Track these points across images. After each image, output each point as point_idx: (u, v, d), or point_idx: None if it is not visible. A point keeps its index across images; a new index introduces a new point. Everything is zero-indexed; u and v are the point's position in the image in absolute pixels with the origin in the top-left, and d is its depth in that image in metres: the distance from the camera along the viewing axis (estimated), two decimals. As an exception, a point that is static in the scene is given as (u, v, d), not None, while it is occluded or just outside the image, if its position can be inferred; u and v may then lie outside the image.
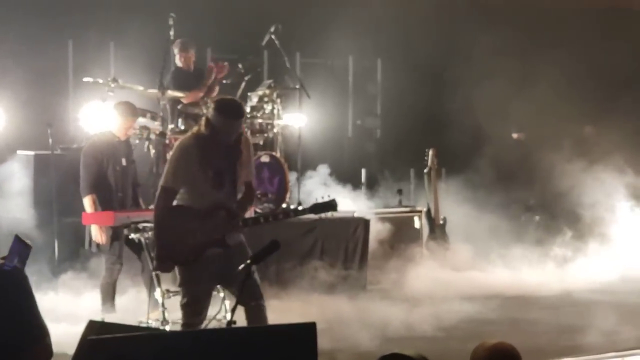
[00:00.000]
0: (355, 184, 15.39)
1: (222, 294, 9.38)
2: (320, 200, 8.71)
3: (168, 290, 9.54)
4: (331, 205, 8.67)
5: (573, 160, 14.84)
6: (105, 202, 10.47)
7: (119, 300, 10.69)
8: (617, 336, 10.03)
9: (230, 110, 8.05)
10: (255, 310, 7.97)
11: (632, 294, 12.91)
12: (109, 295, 10.56)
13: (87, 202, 10.43)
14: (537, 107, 16.12)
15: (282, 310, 10.38)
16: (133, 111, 10.80)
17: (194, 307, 8.13)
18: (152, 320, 9.53)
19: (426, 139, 15.48)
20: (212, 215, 8.05)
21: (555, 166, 15.01)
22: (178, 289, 8.56)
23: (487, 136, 15.51)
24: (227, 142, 8.02)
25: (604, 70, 16.04)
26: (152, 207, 10.75)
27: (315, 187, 14.67)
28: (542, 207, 15.46)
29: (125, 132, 10.75)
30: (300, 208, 7.69)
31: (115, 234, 10.35)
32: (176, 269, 8.27)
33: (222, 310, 8.82)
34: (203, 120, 8.13)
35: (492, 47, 15.82)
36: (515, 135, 16.85)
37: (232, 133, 8.02)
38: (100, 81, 11.80)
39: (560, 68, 15.55)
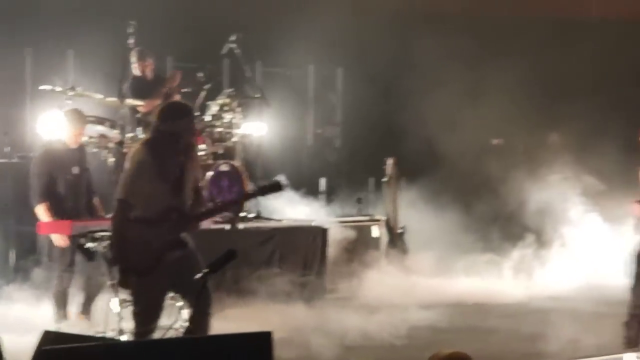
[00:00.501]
0: (315, 193, 15.35)
1: (179, 303, 9.32)
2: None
3: (125, 300, 9.46)
4: (277, 185, 8.60)
5: (531, 168, 14.82)
6: (56, 211, 10.39)
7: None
8: (576, 344, 10.02)
9: (175, 112, 8.16)
10: (205, 319, 7.90)
11: (591, 302, 12.94)
12: (62, 303, 10.46)
13: (40, 211, 10.34)
14: (496, 115, 16.22)
15: (239, 319, 10.37)
16: (81, 118, 10.74)
17: (146, 315, 8.07)
18: (109, 330, 9.45)
19: (386, 148, 15.45)
20: (166, 218, 8.01)
21: (514, 174, 14.98)
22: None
23: (446, 145, 15.49)
24: (184, 143, 8.05)
25: (556, 78, 16.07)
26: (109, 216, 10.73)
27: (274, 196, 14.65)
28: (501, 216, 15.44)
29: (75, 140, 10.67)
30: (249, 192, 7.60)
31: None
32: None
33: (178, 319, 8.72)
34: (152, 131, 8.14)
35: (448, 56, 15.92)
36: (496, 141, 16.91)
37: (186, 133, 8.06)
38: (58, 89, 11.72)
39: (514, 76, 15.66)
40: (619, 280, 14.10)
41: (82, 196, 10.68)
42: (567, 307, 10.44)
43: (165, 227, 7.97)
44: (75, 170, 10.59)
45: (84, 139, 11.10)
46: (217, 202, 11.97)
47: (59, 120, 10.89)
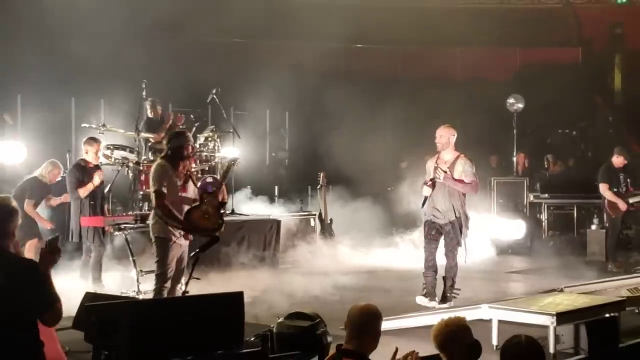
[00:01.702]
0: (271, 196, 15.31)
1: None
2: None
3: (142, 271, 9.31)
4: (233, 161, 9.05)
5: (411, 178, 14.79)
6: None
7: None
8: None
9: (178, 133, 8.37)
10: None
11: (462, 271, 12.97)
12: (97, 271, 10.25)
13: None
14: (392, 143, 16.33)
15: (223, 282, 10.22)
16: (94, 142, 10.63)
17: (165, 276, 7.93)
18: (130, 291, 9.29)
19: (318, 166, 15.42)
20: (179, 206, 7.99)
21: (401, 183, 14.96)
22: (149, 269, 8.36)
23: (358, 162, 15.49)
24: (185, 157, 8.06)
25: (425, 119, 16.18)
26: (130, 213, 10.57)
27: (243, 199, 14.56)
28: (400, 210, 15.39)
29: (95, 158, 10.53)
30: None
31: (100, 229, 10.11)
32: (155, 249, 8.00)
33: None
34: (164, 151, 8.12)
35: (356, 104, 16.06)
36: (403, 164, 16.90)
37: (187, 146, 8.09)
38: (94, 126, 11.60)
39: (401, 118, 15.84)
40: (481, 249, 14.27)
41: (98, 199, 10.47)
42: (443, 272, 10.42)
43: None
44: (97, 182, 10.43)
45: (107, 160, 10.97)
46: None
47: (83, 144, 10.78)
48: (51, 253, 4.74)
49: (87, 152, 10.56)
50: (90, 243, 10.21)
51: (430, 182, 9.78)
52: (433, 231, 9.86)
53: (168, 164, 7.99)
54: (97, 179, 10.32)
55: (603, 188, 13.12)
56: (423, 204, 9.95)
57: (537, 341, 4.60)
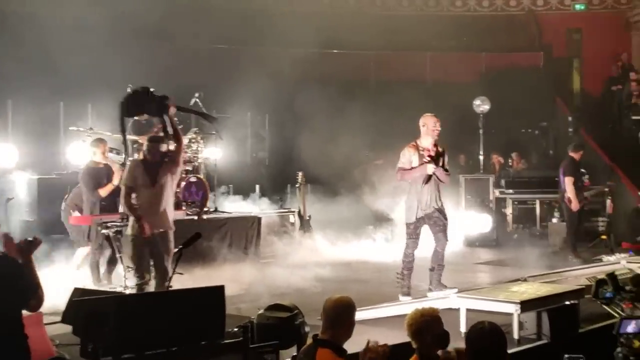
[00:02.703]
0: (253, 195, 15.24)
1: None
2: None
3: (128, 267, 9.24)
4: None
5: (381, 177, 14.78)
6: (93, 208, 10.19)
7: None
8: (418, 289, 9.95)
9: (150, 139, 8.56)
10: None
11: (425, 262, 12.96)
12: (95, 270, 10.14)
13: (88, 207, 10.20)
14: (365, 142, 16.35)
15: (206, 277, 10.13)
16: (100, 142, 10.55)
17: (137, 272, 7.96)
18: (117, 286, 9.23)
19: (297, 166, 15.36)
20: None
21: (373, 180, 14.94)
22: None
23: (334, 163, 15.46)
24: (154, 160, 8.20)
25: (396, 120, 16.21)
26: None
27: (225, 197, 14.51)
28: (372, 206, 15.38)
29: (103, 157, 10.40)
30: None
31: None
32: (130, 249, 8.02)
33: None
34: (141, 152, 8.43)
35: (330, 107, 16.01)
36: (378, 162, 16.86)
37: (152, 150, 8.27)
38: (81, 129, 11.49)
39: (371, 120, 15.88)
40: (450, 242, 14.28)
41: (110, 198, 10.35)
42: (415, 265, 10.41)
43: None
44: (104, 180, 10.30)
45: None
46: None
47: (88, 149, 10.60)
48: (30, 244, 4.74)
49: (94, 154, 10.38)
50: (96, 242, 10.09)
51: (429, 160, 9.45)
52: (418, 230, 9.59)
53: (141, 163, 8.12)
54: (116, 180, 10.17)
55: (568, 182, 13.12)
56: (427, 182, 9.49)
57: (500, 327, 4.64)
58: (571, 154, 13.40)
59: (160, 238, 8.13)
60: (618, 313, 5.97)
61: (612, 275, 6.14)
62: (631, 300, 5.93)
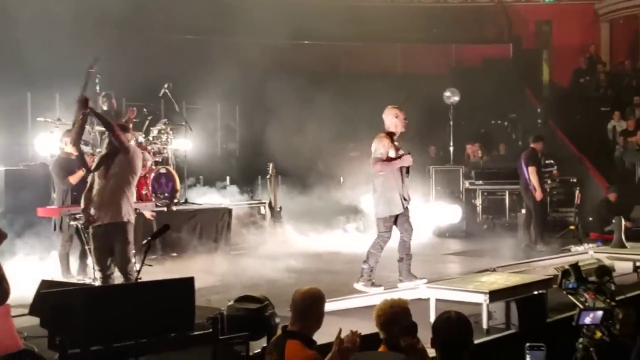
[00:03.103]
0: (223, 187, 15.19)
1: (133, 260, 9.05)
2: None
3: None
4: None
5: (351, 169, 14.81)
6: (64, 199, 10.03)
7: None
8: (387, 280, 9.97)
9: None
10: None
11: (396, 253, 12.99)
12: (65, 262, 10.03)
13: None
14: (337, 134, 16.36)
15: (176, 269, 10.11)
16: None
17: (96, 264, 7.97)
18: (87, 278, 9.17)
19: (267, 157, 15.33)
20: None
21: (350, 170, 14.96)
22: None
23: (304, 155, 15.45)
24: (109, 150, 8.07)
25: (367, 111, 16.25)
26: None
27: (195, 189, 14.46)
28: (344, 197, 15.40)
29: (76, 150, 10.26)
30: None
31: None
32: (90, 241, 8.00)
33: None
34: None
35: (300, 98, 16.03)
36: (353, 154, 16.85)
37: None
38: (49, 120, 11.36)
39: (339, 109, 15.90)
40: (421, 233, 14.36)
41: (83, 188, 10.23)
42: (384, 255, 10.42)
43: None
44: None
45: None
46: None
47: (63, 139, 10.43)
48: None
49: (66, 144, 10.22)
50: (66, 234, 9.97)
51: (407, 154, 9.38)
52: (391, 222, 9.49)
53: (103, 154, 8.15)
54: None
55: (532, 171, 13.24)
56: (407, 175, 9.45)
57: (466, 316, 4.68)
58: (532, 145, 13.59)
59: (114, 229, 7.83)
60: (582, 303, 6.03)
61: (575, 266, 6.19)
62: (594, 291, 5.99)
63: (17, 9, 14.83)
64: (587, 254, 10.84)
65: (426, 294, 7.86)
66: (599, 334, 5.77)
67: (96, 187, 7.96)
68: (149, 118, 13.03)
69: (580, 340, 5.85)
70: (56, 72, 14.33)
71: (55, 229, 10.02)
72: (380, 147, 9.26)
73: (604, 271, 6.27)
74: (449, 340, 4.53)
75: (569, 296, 6.12)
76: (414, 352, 4.55)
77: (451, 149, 17.37)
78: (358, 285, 9.35)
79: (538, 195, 13.22)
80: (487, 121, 20.68)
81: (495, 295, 7.49)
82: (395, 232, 9.58)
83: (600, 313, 5.72)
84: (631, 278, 9.80)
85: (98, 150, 11.29)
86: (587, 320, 5.73)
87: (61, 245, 10.04)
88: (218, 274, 10.47)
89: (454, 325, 4.57)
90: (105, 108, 12.62)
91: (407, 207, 9.49)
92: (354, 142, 16.11)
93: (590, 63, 21.98)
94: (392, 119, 9.41)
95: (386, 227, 9.46)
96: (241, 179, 16.09)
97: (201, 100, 17.25)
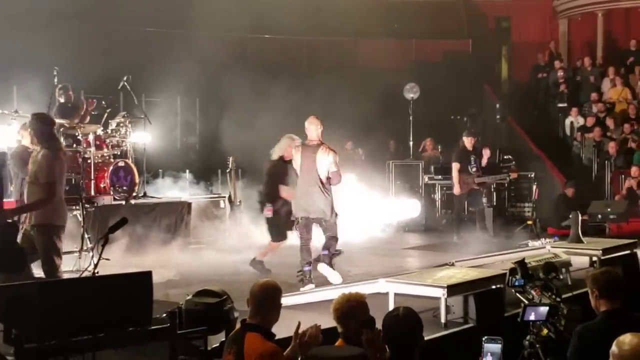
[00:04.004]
0: (183, 180, 15.10)
1: (91, 254, 8.98)
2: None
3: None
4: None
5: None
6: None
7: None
8: (348, 273, 10.01)
9: None
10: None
11: (361, 246, 13.05)
12: None
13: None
14: (297, 128, 16.26)
15: (135, 263, 10.03)
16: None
17: None
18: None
19: (228, 151, 15.23)
20: None
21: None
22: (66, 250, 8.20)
23: (265, 146, 15.41)
24: None
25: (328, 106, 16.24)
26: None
27: (153, 182, 14.37)
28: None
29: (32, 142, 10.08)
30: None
31: None
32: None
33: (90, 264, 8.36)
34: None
35: (263, 91, 16.01)
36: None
37: None
38: (6, 112, 11.19)
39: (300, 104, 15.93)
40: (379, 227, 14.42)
41: None
42: (343, 249, 10.44)
43: None
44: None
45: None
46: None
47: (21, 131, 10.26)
48: None
49: (23, 137, 10.05)
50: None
51: None
52: None
53: None
54: None
55: (454, 167, 13.74)
56: None
57: (415, 313, 4.72)
58: (463, 138, 13.85)
59: (35, 232, 7.58)
60: (529, 300, 6.12)
61: (521, 262, 6.28)
62: (540, 288, 6.07)
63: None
64: (545, 248, 10.97)
65: (385, 289, 7.92)
66: (545, 331, 5.86)
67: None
68: (108, 110, 12.90)
69: (527, 337, 5.93)
70: (13, 64, 14.17)
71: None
72: (337, 158, 9.54)
73: (551, 268, 6.36)
74: (397, 337, 4.58)
75: (517, 294, 6.19)
76: (374, 347, 4.57)
77: (411, 143, 17.49)
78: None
79: (455, 190, 13.72)
80: (447, 116, 20.83)
81: (453, 289, 7.57)
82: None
83: (544, 309, 5.80)
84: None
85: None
86: (532, 316, 5.81)
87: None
88: (176, 268, 10.43)
89: (401, 323, 4.62)
90: (62, 100, 12.48)
91: None
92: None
93: (550, 59, 22.24)
94: (318, 130, 9.58)
95: (337, 225, 9.72)
96: (201, 172, 16.01)
97: (161, 94, 17.13)
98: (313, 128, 9.57)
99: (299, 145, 9.97)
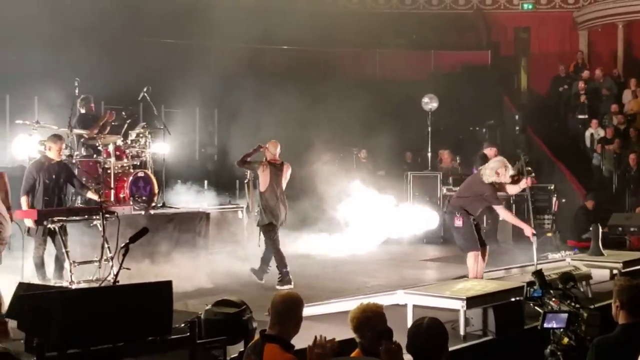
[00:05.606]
0: (201, 190, 15.15)
1: (111, 263, 9.02)
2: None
3: (74, 262, 9.15)
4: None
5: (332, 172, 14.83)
6: (34, 203, 9.89)
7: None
8: (366, 284, 10.02)
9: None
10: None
11: (377, 258, 13.07)
12: (40, 266, 9.94)
13: (23, 201, 9.82)
14: (320, 139, 16.39)
15: (154, 272, 10.08)
16: (57, 139, 10.21)
17: None
18: (64, 281, 9.13)
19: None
20: None
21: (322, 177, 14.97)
22: (82, 260, 8.23)
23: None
24: None
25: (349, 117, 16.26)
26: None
27: (173, 193, 14.41)
28: (320, 203, 15.40)
29: (58, 155, 10.15)
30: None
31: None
32: None
33: (111, 273, 8.45)
34: None
35: (278, 102, 16.07)
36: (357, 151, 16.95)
37: None
38: (27, 123, 11.28)
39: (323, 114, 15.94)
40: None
41: (54, 194, 10.07)
42: (361, 261, 10.46)
43: None
44: (53, 176, 10.03)
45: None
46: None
47: (44, 142, 10.33)
48: None
49: (49, 149, 10.13)
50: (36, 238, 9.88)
51: None
52: None
53: None
54: None
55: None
56: None
57: (441, 323, 4.69)
58: (485, 151, 13.69)
59: None
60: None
61: (538, 272, 6.24)
62: (558, 298, 6.03)
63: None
64: (565, 261, 10.93)
65: (403, 300, 7.91)
66: (566, 340, 5.82)
67: None
68: (128, 121, 13.00)
69: (549, 346, 5.90)
70: (35, 75, 14.30)
71: (29, 233, 9.91)
72: None
73: (568, 277, 6.31)
74: (422, 346, 4.56)
75: (536, 307, 6.12)
76: (392, 358, 4.57)
77: (429, 155, 17.46)
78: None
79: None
80: (466, 128, 20.80)
81: (472, 301, 7.55)
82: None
83: (564, 315, 5.75)
84: (608, 286, 9.89)
85: (76, 153, 11.31)
86: (552, 323, 5.76)
87: (34, 249, 9.90)
88: (195, 278, 10.47)
89: (425, 332, 4.59)
90: (83, 111, 12.59)
91: None
92: (332, 149, 16.11)
93: (575, 70, 22.14)
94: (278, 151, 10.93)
95: None
96: (219, 183, 16.08)
97: (180, 105, 17.23)
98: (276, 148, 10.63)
99: None
